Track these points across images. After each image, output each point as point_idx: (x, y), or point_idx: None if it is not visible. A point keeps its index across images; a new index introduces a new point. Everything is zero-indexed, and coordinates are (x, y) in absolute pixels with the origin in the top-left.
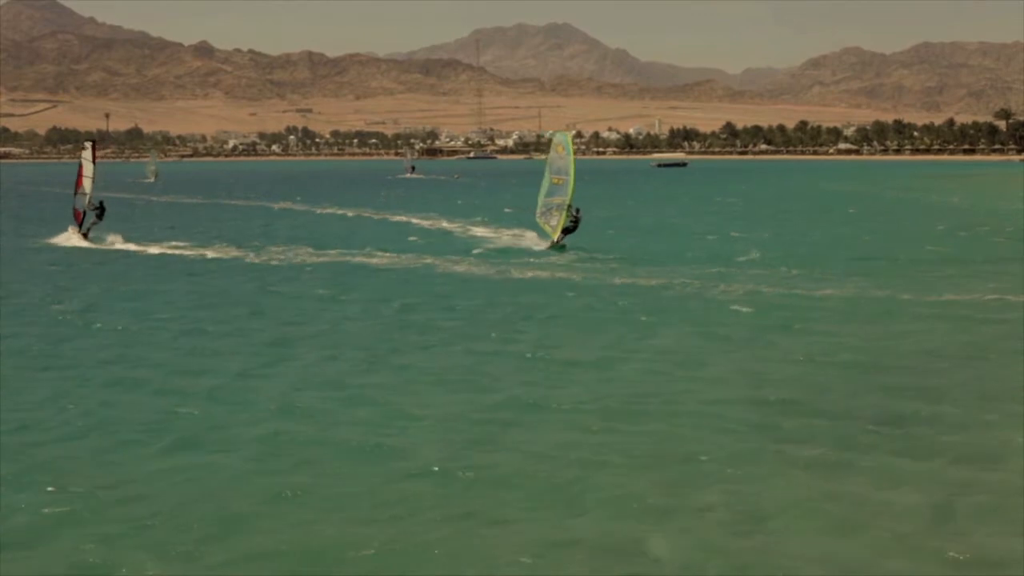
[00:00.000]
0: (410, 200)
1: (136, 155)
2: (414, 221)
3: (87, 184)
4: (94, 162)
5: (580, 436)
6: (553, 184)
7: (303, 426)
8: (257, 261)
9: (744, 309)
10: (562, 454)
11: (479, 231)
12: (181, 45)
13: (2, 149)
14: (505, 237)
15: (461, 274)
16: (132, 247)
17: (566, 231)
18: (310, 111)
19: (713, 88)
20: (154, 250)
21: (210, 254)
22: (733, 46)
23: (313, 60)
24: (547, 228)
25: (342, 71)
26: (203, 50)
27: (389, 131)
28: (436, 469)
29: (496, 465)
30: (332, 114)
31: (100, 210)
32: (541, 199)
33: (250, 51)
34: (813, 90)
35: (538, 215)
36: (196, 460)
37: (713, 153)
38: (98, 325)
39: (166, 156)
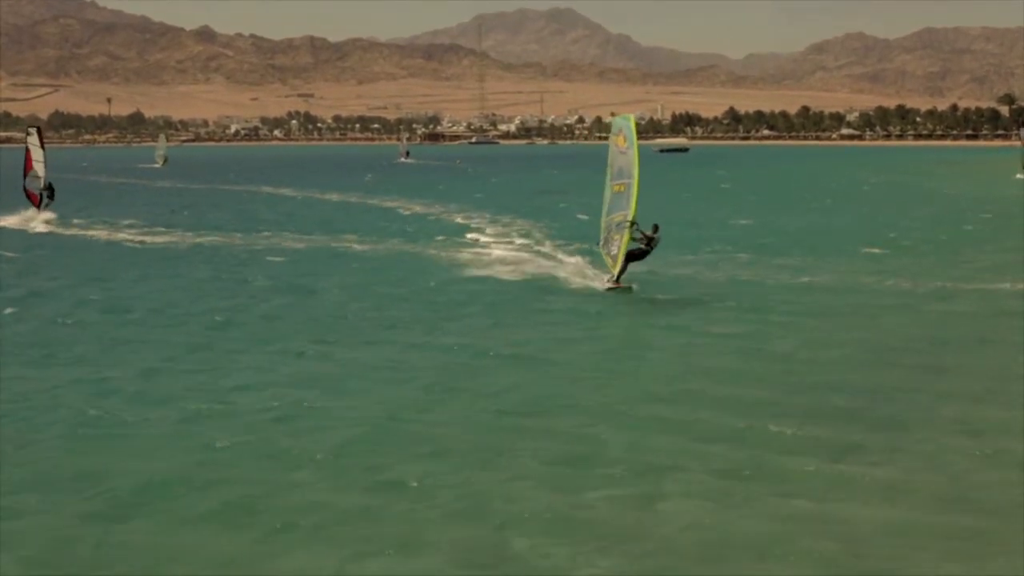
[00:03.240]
0: (402, 185)
1: (138, 140)
2: (397, 207)
3: (39, 168)
4: (42, 147)
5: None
6: (614, 194)
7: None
8: (231, 244)
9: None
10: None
11: (457, 219)
12: (183, 30)
13: (4, 134)
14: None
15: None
16: (124, 235)
17: (631, 257)
18: (312, 96)
19: (716, 73)
20: (160, 237)
21: (167, 238)
22: (736, 31)
23: (315, 45)
24: (607, 260)
25: (344, 56)
26: (205, 35)
27: (391, 116)
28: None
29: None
30: (334, 99)
31: (50, 191)
32: (603, 219)
33: (252, 36)
34: (816, 75)
35: (600, 243)
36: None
37: (716, 138)
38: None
39: (167, 141)
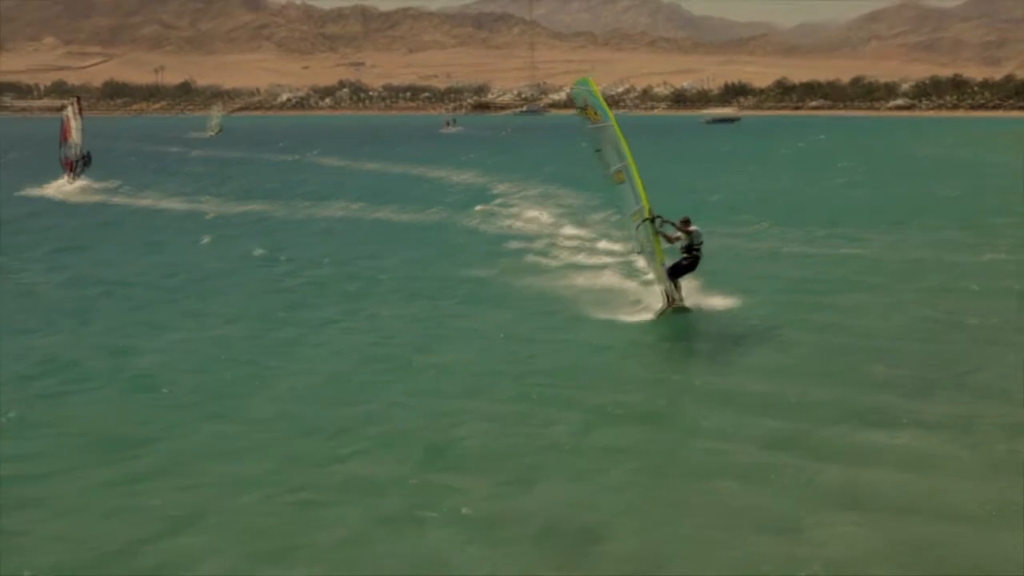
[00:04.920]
0: (444, 156)
1: (190, 108)
2: (439, 177)
3: (76, 135)
4: (80, 116)
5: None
6: (619, 185)
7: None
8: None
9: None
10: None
11: (497, 187)
12: None
13: (59, 102)
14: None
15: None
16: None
17: (676, 271)
18: (362, 65)
19: (767, 42)
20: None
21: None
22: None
23: (365, 14)
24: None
25: (394, 25)
26: (255, 4)
27: (441, 85)
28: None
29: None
30: (384, 68)
31: (87, 159)
32: (629, 224)
33: (302, 4)
34: (869, 44)
35: (639, 251)
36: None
37: (766, 109)
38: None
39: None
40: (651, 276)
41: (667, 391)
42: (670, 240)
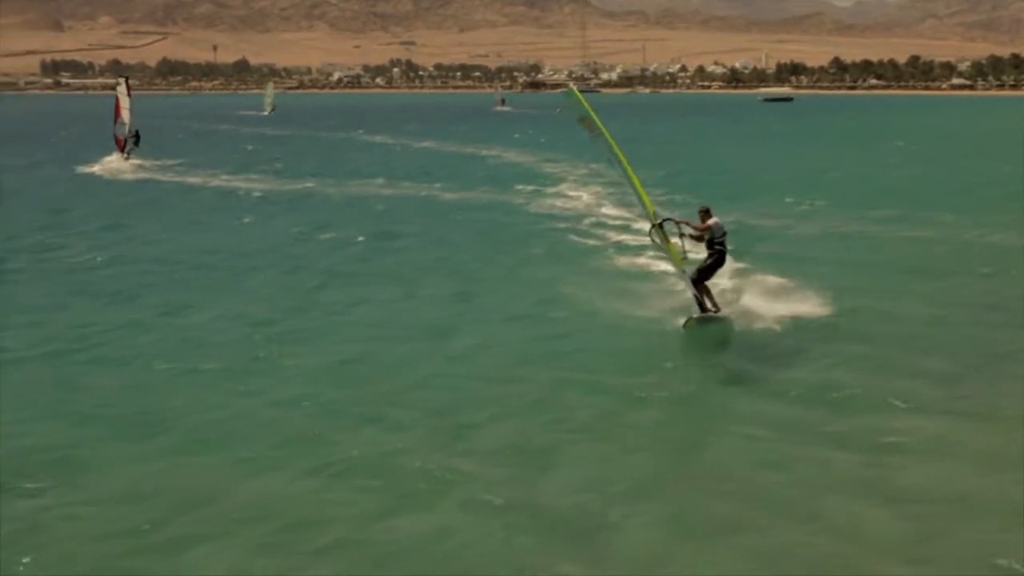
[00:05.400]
0: (495, 134)
1: (244, 87)
2: (489, 155)
3: (125, 115)
4: (129, 96)
5: None
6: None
7: None
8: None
9: None
10: None
11: (546, 168)
12: None
13: (113, 81)
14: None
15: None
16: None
17: (702, 274)
18: (414, 44)
19: (822, 21)
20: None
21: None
22: None
23: None
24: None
25: (446, 3)
26: None
27: (492, 64)
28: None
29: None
30: (436, 47)
31: (136, 138)
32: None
33: None
34: (926, 23)
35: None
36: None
37: (821, 88)
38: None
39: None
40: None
41: (694, 375)
42: (695, 239)
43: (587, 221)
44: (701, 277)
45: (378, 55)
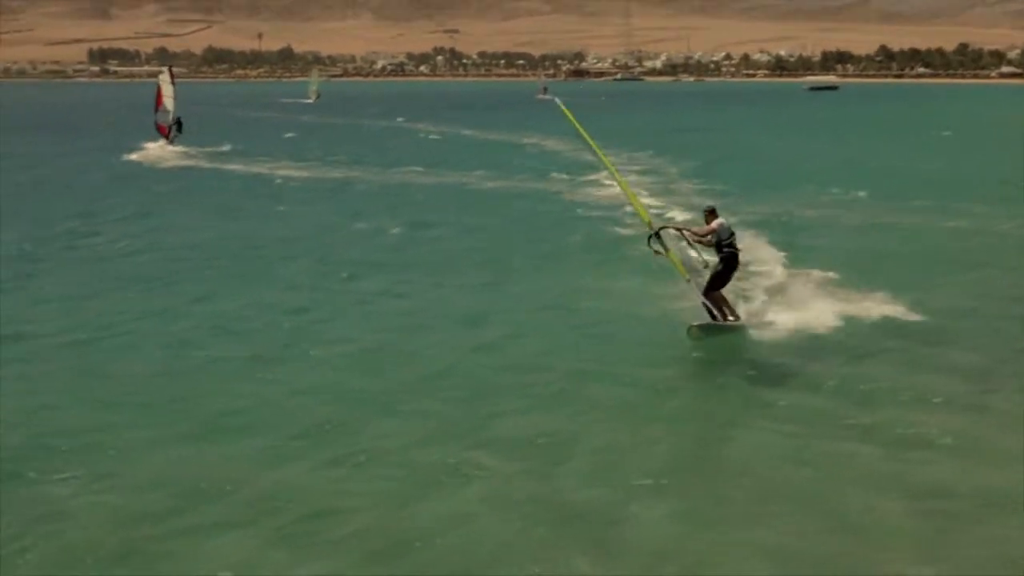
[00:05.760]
0: (537, 122)
1: (288, 75)
2: (529, 143)
3: (169, 103)
4: (173, 84)
5: None
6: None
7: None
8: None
9: None
10: None
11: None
12: None
13: (158, 69)
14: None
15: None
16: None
17: (714, 282)
18: (457, 32)
19: (867, 9)
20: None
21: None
22: None
23: None
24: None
25: None
26: None
27: (536, 52)
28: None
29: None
30: (479, 35)
31: (179, 125)
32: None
33: None
34: (974, 11)
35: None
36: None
37: (867, 76)
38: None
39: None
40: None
41: (719, 368)
42: (702, 244)
43: (623, 210)
44: (714, 285)
45: (422, 43)
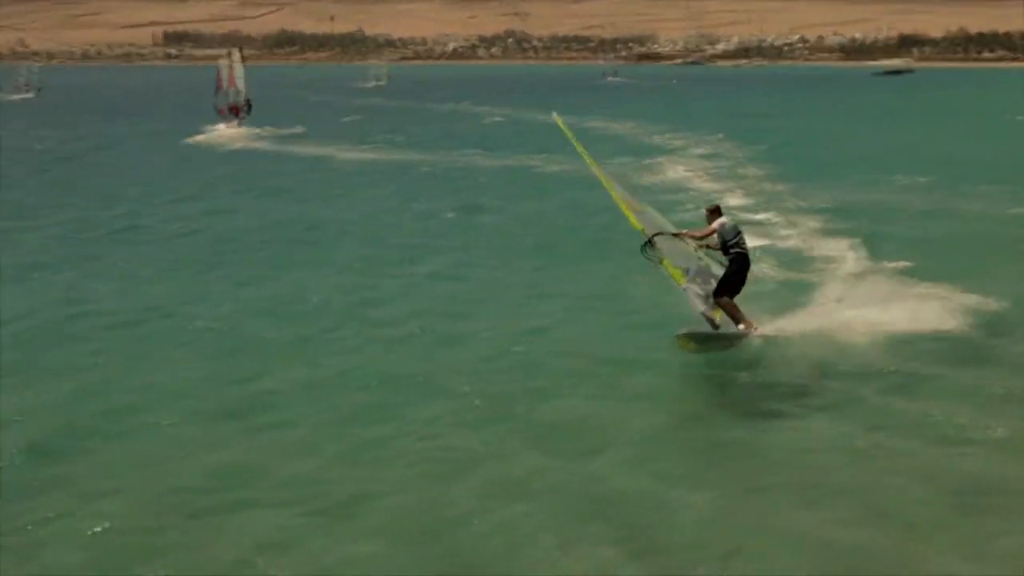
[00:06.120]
0: (603, 106)
1: (359, 58)
2: (596, 127)
3: (240, 83)
4: (243, 64)
5: None
6: (639, 213)
7: None
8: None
9: None
10: None
11: (654, 139)
12: None
13: (229, 51)
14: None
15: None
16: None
17: (724, 286)
18: (527, 15)
19: None
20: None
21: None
22: None
23: None
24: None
25: None
26: None
27: (605, 35)
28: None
29: None
30: (548, 18)
31: (248, 106)
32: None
33: None
34: None
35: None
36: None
37: (944, 60)
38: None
39: (387, 59)
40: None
41: (764, 357)
42: (709, 246)
43: (682, 194)
44: (724, 290)
45: (491, 26)
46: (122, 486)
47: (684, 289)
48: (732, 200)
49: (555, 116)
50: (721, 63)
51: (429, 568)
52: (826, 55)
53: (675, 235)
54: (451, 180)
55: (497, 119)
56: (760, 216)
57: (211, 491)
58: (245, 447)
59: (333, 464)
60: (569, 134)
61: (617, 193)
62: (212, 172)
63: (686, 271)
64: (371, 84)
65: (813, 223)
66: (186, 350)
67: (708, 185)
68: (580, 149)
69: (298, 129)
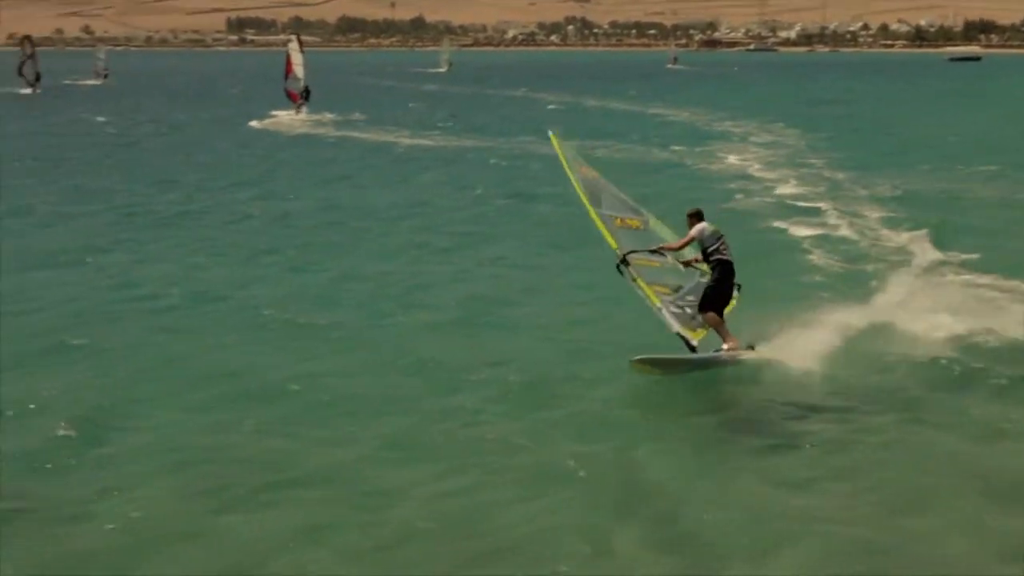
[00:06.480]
0: (667, 92)
1: (420, 44)
2: (658, 114)
3: (299, 71)
4: (302, 52)
5: None
6: (632, 230)
7: None
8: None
9: None
10: None
11: (716, 126)
12: None
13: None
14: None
15: None
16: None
17: (707, 300)
18: (588, 1)
19: None
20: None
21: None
22: None
23: None
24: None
25: None
26: None
27: (668, 21)
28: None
29: None
30: (610, 4)
31: (307, 93)
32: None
33: None
34: None
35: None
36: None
37: (1012, 47)
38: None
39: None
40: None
41: (810, 354)
42: (691, 260)
43: (741, 183)
44: (709, 304)
45: (553, 12)
46: (162, 468)
47: (658, 309)
48: (788, 189)
49: (551, 134)
50: (786, 49)
51: (465, 556)
52: (891, 42)
53: (654, 251)
54: (505, 167)
55: (555, 106)
56: (819, 204)
57: (251, 477)
58: (287, 433)
59: (372, 452)
60: (562, 154)
61: (596, 212)
62: (272, 157)
63: (677, 288)
64: (434, 71)
65: (877, 213)
66: (237, 335)
67: (767, 174)
68: (568, 172)
69: (360, 115)
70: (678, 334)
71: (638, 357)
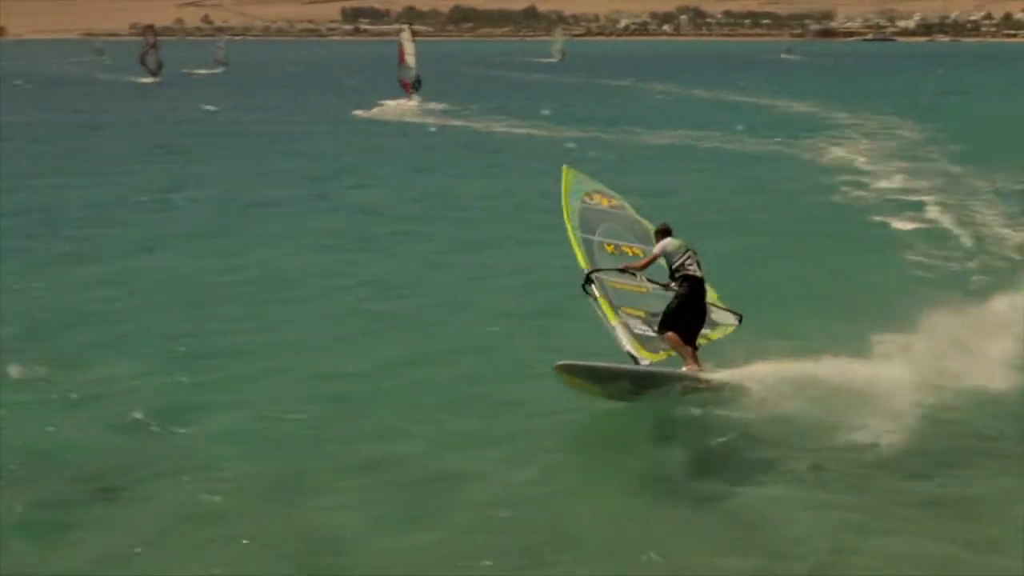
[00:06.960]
0: (777, 83)
1: (532, 34)
2: (765, 104)
3: (411, 60)
4: (413, 41)
5: None
6: (629, 257)
7: None
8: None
9: None
10: None
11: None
12: None
13: (396, 27)
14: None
15: None
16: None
17: (669, 320)
18: None
19: None
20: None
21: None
22: None
23: None
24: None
25: None
26: None
27: (783, 11)
28: None
29: None
30: None
31: (418, 82)
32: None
33: None
34: None
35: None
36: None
37: None
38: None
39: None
40: None
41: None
42: (661, 282)
43: (848, 176)
44: (669, 323)
45: (666, 2)
46: (237, 453)
47: (613, 327)
48: (890, 183)
49: (564, 168)
50: (905, 39)
51: (535, 545)
52: (1015, 32)
53: (620, 270)
54: (604, 157)
55: (663, 96)
56: (932, 197)
57: (291, 475)
58: (347, 425)
59: (428, 448)
60: (565, 188)
61: (576, 234)
62: (374, 146)
63: (656, 315)
64: (547, 60)
65: (991, 212)
66: (318, 324)
67: (880, 167)
68: (563, 199)
69: (469, 104)
70: (627, 352)
71: (562, 363)
